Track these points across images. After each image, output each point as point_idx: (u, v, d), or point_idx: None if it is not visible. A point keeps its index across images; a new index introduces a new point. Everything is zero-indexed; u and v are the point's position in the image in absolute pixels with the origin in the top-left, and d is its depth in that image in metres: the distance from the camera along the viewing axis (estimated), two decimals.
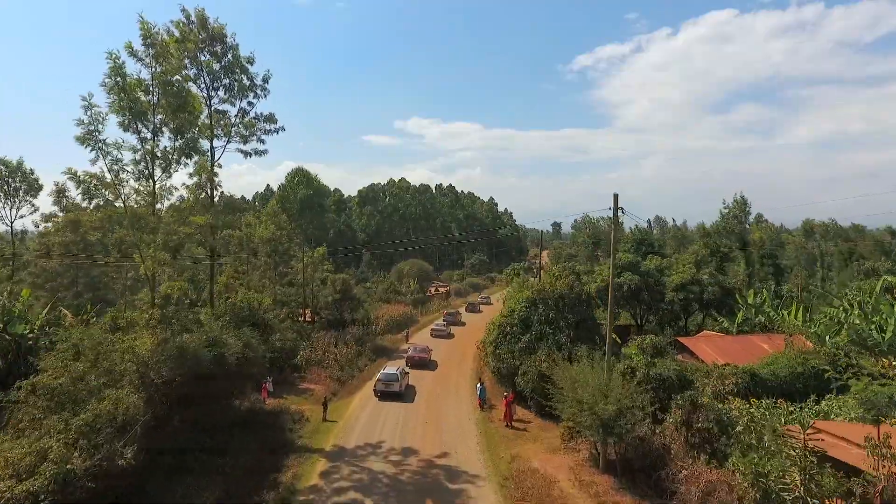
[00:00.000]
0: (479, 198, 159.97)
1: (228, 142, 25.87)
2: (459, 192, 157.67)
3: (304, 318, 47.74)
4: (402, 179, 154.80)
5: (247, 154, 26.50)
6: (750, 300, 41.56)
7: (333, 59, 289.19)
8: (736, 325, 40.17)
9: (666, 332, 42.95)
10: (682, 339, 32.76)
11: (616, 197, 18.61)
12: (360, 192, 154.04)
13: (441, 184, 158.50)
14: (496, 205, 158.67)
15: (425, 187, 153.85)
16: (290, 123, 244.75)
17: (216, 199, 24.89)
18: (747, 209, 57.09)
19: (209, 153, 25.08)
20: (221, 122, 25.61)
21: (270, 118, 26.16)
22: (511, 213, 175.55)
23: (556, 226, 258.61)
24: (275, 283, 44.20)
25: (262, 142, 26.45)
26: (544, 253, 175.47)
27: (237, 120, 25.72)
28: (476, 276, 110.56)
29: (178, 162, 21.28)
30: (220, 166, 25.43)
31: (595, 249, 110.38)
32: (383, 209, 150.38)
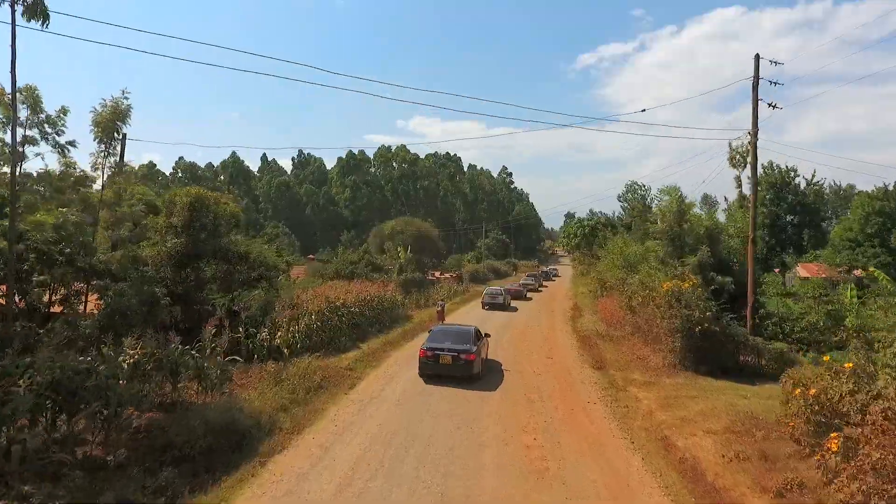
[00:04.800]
0: (486, 170, 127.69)
1: None
2: (466, 165, 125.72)
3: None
4: (402, 146, 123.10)
5: None
6: None
7: (333, 59, 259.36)
8: None
9: None
10: None
11: None
12: (340, 160, 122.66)
13: (437, 151, 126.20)
14: (510, 174, 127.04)
15: (415, 157, 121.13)
16: (288, 124, 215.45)
17: None
18: None
19: None
20: None
21: None
22: (528, 193, 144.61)
23: (570, 216, 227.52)
24: None
25: None
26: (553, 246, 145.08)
27: None
28: (495, 259, 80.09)
29: None
30: None
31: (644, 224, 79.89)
32: (371, 180, 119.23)
